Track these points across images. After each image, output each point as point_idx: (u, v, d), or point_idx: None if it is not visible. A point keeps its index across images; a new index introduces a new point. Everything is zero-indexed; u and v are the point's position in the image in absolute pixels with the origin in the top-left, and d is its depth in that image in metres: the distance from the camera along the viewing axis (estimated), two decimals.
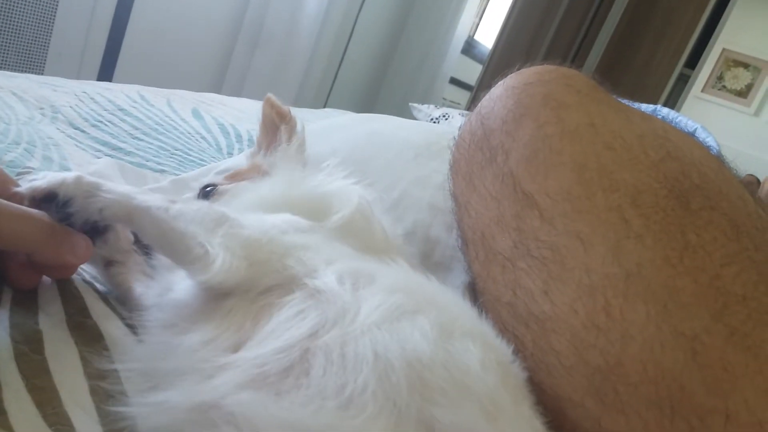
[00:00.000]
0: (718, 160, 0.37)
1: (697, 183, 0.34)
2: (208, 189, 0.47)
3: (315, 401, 0.24)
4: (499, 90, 0.44)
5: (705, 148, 0.38)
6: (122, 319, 0.36)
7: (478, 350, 0.28)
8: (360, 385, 0.24)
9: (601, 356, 0.30)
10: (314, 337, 0.27)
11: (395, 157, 0.60)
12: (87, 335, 0.33)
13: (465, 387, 0.26)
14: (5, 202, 0.30)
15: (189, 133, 0.80)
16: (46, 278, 0.36)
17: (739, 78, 2.63)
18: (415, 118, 1.62)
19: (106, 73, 1.55)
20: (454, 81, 2.73)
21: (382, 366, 0.25)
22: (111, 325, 0.34)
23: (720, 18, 2.56)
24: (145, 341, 0.32)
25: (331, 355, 0.26)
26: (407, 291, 0.31)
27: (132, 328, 0.35)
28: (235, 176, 0.49)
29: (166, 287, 0.35)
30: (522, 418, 0.28)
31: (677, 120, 0.77)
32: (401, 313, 0.28)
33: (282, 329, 0.27)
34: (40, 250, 0.32)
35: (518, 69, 0.45)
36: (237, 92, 1.80)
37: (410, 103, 1.75)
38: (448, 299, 0.33)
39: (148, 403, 0.27)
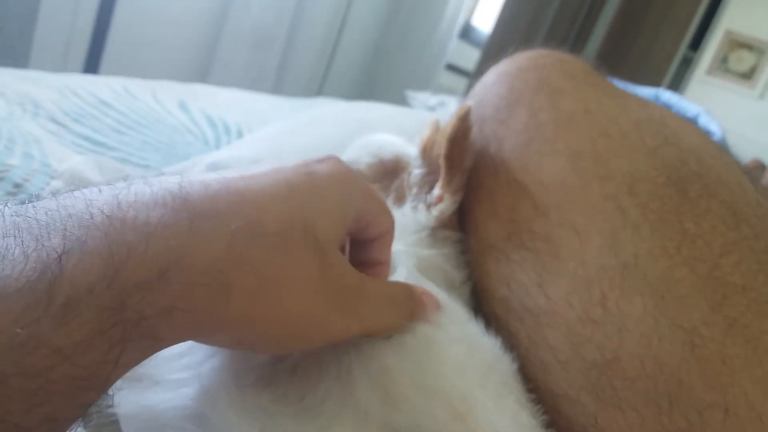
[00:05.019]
0: (717, 146, 0.36)
1: (696, 170, 0.33)
2: None
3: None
4: (491, 77, 0.43)
5: (704, 134, 0.37)
6: None
7: (454, 354, 0.28)
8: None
9: (597, 351, 0.30)
10: None
11: None
12: None
13: (430, 391, 0.26)
14: (378, 281, 0.28)
15: (175, 127, 0.77)
16: None
17: (743, 60, 2.59)
18: (410, 107, 1.60)
19: (92, 63, 1.51)
20: (452, 67, 2.68)
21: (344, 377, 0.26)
22: None
23: None
24: None
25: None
26: None
27: None
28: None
29: None
30: (504, 412, 0.27)
31: (679, 104, 0.76)
32: None
33: None
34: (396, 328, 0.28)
35: (512, 54, 0.44)
36: (225, 80, 1.76)
37: (405, 91, 1.73)
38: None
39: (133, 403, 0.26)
